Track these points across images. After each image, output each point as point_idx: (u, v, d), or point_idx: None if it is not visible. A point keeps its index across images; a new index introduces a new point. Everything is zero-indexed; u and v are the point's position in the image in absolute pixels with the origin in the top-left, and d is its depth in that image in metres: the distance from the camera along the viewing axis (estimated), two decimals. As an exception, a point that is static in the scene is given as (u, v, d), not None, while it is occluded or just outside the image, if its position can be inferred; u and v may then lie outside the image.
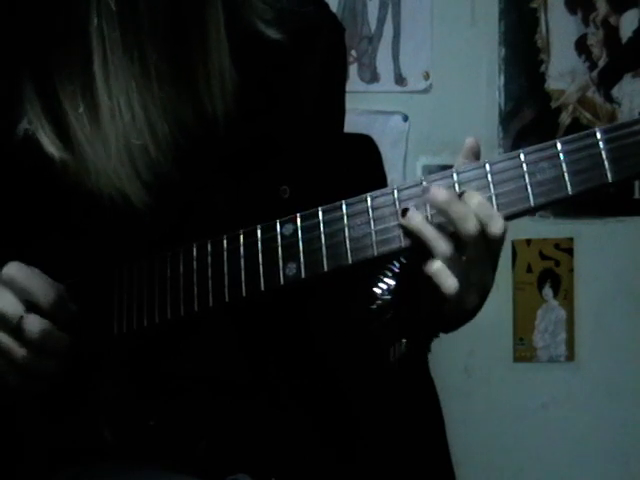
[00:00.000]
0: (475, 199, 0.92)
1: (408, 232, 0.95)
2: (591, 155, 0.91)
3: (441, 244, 0.93)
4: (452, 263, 0.93)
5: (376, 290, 1.04)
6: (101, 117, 0.98)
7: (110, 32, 0.96)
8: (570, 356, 2.29)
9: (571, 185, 0.91)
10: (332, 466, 1.15)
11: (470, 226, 0.92)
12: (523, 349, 2.28)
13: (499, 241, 0.94)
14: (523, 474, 2.29)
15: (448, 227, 0.94)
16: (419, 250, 0.95)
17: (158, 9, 0.97)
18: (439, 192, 0.93)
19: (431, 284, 0.94)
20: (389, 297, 1.04)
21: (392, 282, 1.03)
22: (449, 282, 0.94)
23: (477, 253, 0.94)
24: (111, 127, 0.98)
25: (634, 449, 2.28)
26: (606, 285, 2.28)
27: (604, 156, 0.90)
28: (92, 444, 1.05)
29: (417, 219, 0.94)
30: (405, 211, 0.94)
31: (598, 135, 0.91)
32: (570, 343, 2.29)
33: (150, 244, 1.04)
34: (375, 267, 1.04)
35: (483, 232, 0.93)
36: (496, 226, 0.92)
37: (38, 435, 1.06)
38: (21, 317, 0.98)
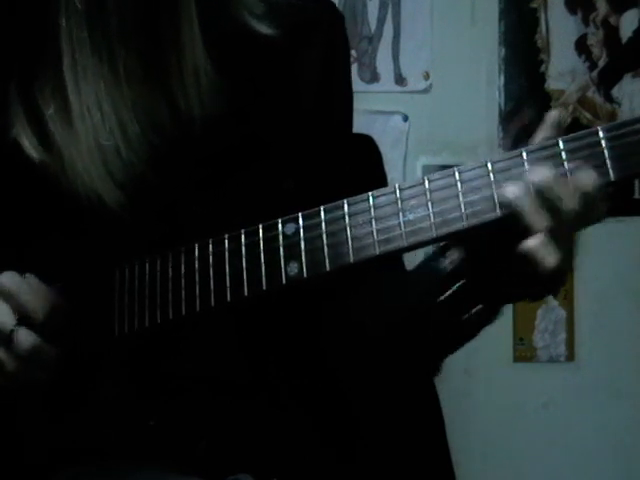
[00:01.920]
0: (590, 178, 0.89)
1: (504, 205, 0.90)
2: (593, 154, 0.90)
3: (541, 217, 0.89)
4: (552, 238, 0.89)
5: (441, 264, 1.01)
6: (72, 118, 0.99)
7: (78, 32, 0.96)
8: (570, 356, 2.29)
9: None
10: (332, 466, 1.15)
11: (574, 204, 0.89)
12: (523, 349, 2.28)
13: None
14: (523, 474, 2.29)
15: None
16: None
17: (127, 7, 0.97)
18: (542, 169, 0.89)
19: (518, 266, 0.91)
20: (458, 269, 1.00)
21: (455, 254, 1.00)
22: (551, 257, 0.89)
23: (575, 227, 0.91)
24: (82, 128, 0.98)
25: (634, 449, 2.28)
26: (606, 285, 2.28)
27: (606, 154, 0.90)
28: (92, 444, 1.05)
29: (517, 190, 0.89)
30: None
31: (600, 134, 0.90)
32: (570, 343, 2.29)
33: (145, 244, 1.04)
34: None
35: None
36: (590, 178, 0.89)
37: (38, 435, 1.06)
38: (12, 330, 0.98)
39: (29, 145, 1.01)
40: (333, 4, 1.20)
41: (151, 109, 1.00)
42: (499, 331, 2.27)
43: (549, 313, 2.29)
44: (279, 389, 1.12)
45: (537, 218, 0.89)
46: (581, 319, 2.29)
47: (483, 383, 2.28)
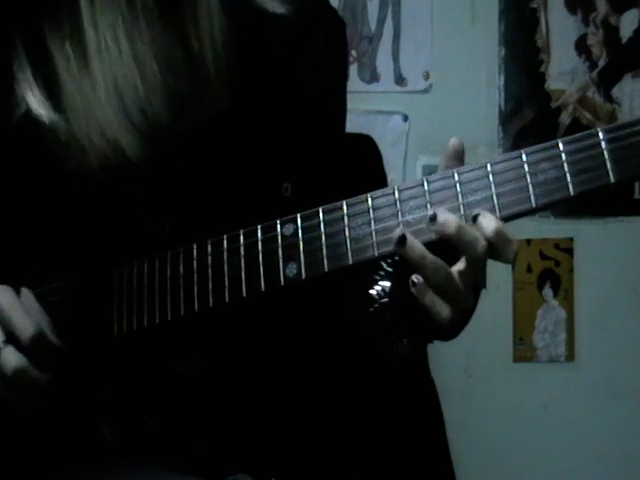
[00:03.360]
0: (492, 225, 0.90)
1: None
2: (593, 155, 0.90)
3: (438, 277, 0.92)
4: (446, 289, 0.92)
5: (372, 292, 1.03)
6: (88, 54, 0.98)
7: None
8: (570, 356, 2.29)
9: (573, 185, 0.90)
10: (332, 466, 1.15)
11: (480, 250, 0.90)
12: (523, 349, 2.28)
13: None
14: (523, 474, 2.29)
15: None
16: None
17: None
18: (449, 221, 0.90)
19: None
20: (386, 299, 1.03)
21: (387, 283, 1.03)
22: (443, 312, 0.93)
23: (478, 272, 0.93)
24: (98, 64, 0.98)
25: (634, 449, 2.28)
26: (606, 285, 2.28)
27: (606, 156, 0.89)
28: (92, 444, 1.05)
29: (417, 250, 0.91)
30: (403, 239, 0.92)
31: (600, 135, 0.90)
32: (570, 343, 2.29)
33: (150, 244, 1.04)
34: (368, 268, 1.03)
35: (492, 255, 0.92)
36: (512, 251, 0.91)
37: (38, 435, 1.06)
38: None
39: (38, 104, 1.00)
40: (334, 9, 1.20)
41: (166, 49, 1.00)
42: (499, 331, 2.27)
43: (549, 313, 2.29)
44: (279, 389, 1.12)
45: (429, 275, 0.92)
46: (581, 319, 2.29)
47: (483, 383, 2.28)
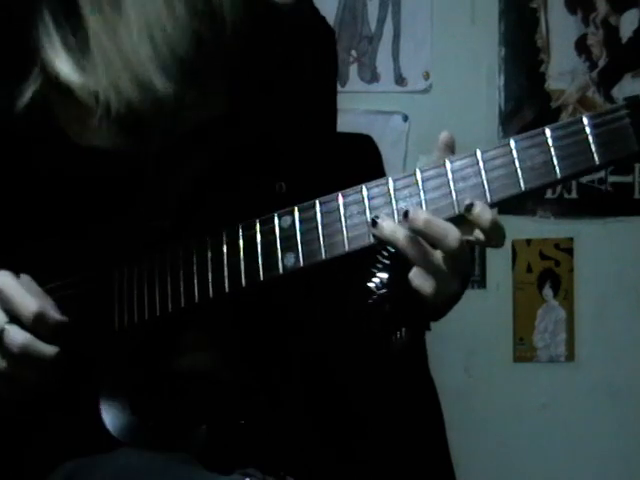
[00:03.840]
0: (486, 215, 0.94)
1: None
2: (578, 140, 0.94)
3: (414, 251, 0.95)
4: (429, 264, 0.95)
5: (370, 285, 1.05)
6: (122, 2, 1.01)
7: None
8: (570, 356, 2.29)
9: (560, 169, 0.94)
10: (332, 466, 1.15)
11: (451, 241, 0.94)
12: (523, 349, 2.28)
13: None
14: (523, 474, 2.29)
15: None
16: None
17: None
18: (418, 215, 0.94)
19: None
20: (384, 291, 1.05)
21: (384, 275, 1.04)
22: (425, 286, 0.95)
23: (456, 260, 0.95)
24: (132, 9, 1.01)
25: (634, 449, 2.28)
26: (606, 285, 2.28)
27: (591, 141, 0.94)
28: (92, 443, 1.05)
29: (388, 228, 0.95)
30: (375, 220, 0.96)
31: (585, 121, 0.94)
32: (570, 343, 2.29)
33: (150, 242, 1.05)
34: (365, 261, 1.04)
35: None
36: (502, 237, 0.95)
37: (38, 433, 1.06)
38: (2, 329, 0.98)
39: (66, 67, 1.02)
40: (324, 17, 1.22)
41: None
42: (499, 331, 2.27)
43: (549, 313, 2.29)
44: (279, 389, 1.12)
45: (411, 251, 0.95)
46: (581, 319, 2.29)
47: (483, 383, 2.28)
